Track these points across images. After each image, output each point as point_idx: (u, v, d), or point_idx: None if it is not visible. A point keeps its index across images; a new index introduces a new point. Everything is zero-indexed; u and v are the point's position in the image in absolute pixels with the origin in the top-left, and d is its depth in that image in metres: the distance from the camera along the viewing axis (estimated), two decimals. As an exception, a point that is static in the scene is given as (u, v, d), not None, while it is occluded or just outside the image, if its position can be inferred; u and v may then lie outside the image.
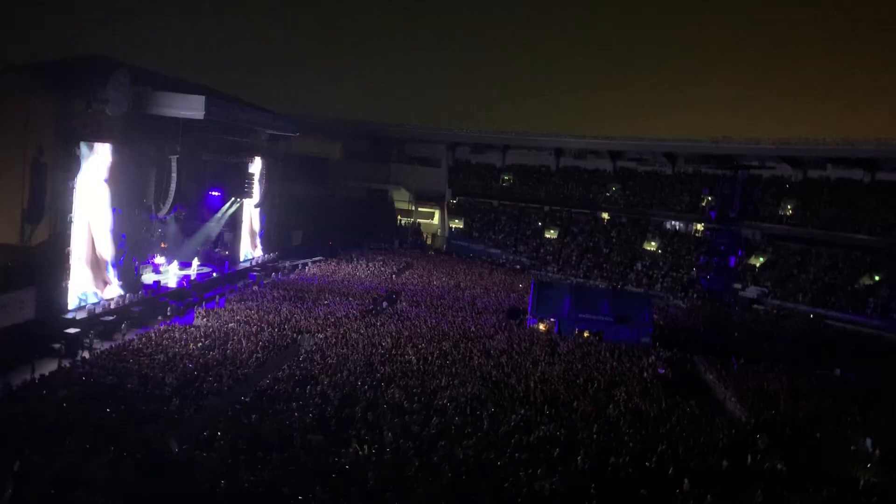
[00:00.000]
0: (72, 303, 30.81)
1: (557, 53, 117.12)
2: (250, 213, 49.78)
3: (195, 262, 43.40)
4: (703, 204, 61.22)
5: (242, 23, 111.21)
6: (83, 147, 31.10)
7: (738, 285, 53.86)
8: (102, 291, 33.15)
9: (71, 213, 30.21)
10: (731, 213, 58.82)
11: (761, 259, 55.48)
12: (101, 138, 32.05)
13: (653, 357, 31.24)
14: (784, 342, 37.74)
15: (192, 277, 41.11)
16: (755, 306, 50.44)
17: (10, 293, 27.29)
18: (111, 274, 33.96)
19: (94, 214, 32.58)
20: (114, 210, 33.79)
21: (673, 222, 63.83)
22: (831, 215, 53.81)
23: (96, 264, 33.02)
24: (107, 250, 33.76)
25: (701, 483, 17.65)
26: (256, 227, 51.34)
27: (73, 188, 30.35)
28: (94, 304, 31.77)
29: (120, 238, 34.48)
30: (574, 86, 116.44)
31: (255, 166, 48.76)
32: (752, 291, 52.72)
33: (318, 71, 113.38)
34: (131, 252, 35.55)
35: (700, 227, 61.82)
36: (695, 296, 52.28)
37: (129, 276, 35.08)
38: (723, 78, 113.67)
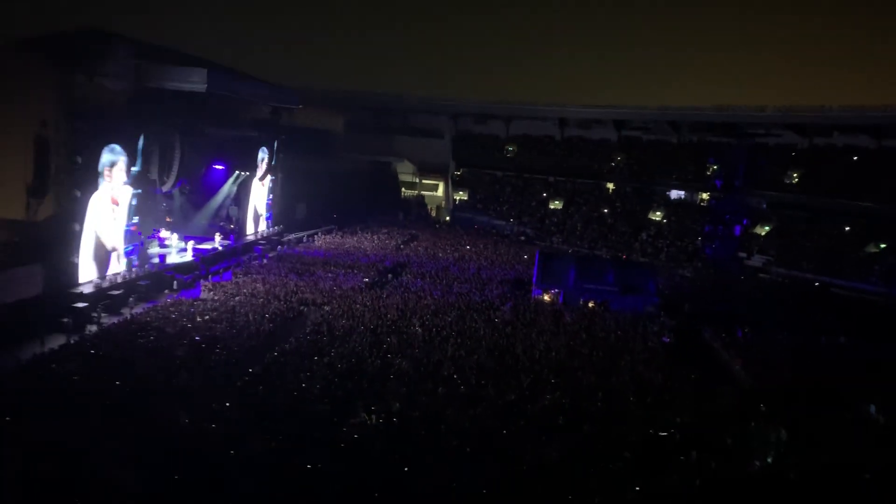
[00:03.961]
0: (82, 277, 30.70)
1: (560, 21, 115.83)
2: (254, 187, 49.62)
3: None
4: (709, 173, 61.01)
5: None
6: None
7: (743, 254, 53.85)
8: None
9: (77, 188, 30.03)
10: (737, 182, 58.69)
11: (766, 227, 55.32)
12: (103, 112, 31.88)
13: (657, 326, 31.34)
14: (789, 310, 37.80)
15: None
16: (760, 275, 50.45)
17: (18, 268, 27.39)
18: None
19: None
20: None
21: (678, 192, 63.67)
22: (837, 183, 53.51)
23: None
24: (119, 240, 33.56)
25: (705, 450, 17.81)
26: (262, 200, 51.21)
27: (77, 163, 30.06)
28: (100, 278, 31.81)
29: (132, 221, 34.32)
30: (578, 54, 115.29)
31: (258, 139, 48.52)
32: (757, 260, 52.70)
33: (321, 42, 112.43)
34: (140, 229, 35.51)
35: (705, 196, 61.72)
36: (700, 265, 52.26)
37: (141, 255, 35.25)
38: (728, 44, 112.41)
